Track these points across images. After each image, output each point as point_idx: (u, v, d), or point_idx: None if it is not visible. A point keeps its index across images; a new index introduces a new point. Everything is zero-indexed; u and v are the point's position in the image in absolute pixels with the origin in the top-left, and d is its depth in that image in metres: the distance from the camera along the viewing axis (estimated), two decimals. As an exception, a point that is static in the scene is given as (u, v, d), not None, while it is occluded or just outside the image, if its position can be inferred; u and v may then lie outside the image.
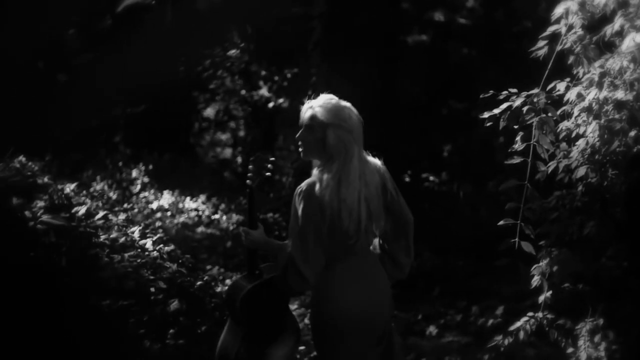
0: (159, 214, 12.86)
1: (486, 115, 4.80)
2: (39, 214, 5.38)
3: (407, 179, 13.51)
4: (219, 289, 9.04)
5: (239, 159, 19.18)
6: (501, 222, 4.78)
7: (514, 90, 5.04)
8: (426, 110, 15.03)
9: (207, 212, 13.06)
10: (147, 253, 6.04)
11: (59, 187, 6.75)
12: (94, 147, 16.32)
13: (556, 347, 7.17)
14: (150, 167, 14.32)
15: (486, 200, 11.90)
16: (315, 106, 4.22)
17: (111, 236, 6.03)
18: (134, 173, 14.14)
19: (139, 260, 5.73)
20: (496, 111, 4.77)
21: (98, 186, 13.58)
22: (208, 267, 10.35)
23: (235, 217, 12.73)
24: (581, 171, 5.29)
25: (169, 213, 13.01)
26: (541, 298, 5.88)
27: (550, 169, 5.35)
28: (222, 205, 13.24)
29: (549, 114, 4.77)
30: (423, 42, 15.78)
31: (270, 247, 4.46)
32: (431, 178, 14.00)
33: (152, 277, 5.64)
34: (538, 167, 4.76)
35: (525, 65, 5.94)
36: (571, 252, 5.91)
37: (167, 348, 4.86)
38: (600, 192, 5.60)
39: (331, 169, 4.18)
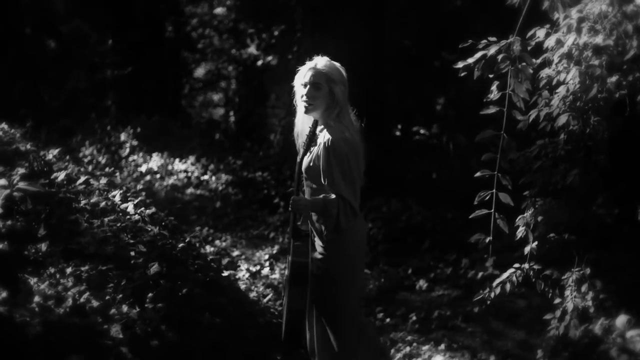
0: (148, 177, 12.79)
1: (460, 65, 4.68)
2: (15, 181, 5.28)
3: (398, 133, 13.40)
4: (208, 249, 9.04)
5: (232, 118, 19.07)
6: (478, 174, 4.70)
7: (493, 39, 4.93)
8: (417, 62, 14.85)
9: (196, 173, 12.99)
10: (128, 217, 5.98)
11: (41, 153, 6.70)
12: (83, 112, 16.23)
13: (545, 298, 7.16)
14: (139, 130, 14.20)
15: (477, 152, 11.78)
16: (319, 66, 4.73)
17: (91, 201, 5.96)
18: (123, 136, 14.03)
19: (118, 224, 5.65)
20: (470, 60, 4.65)
21: (87, 151, 13.50)
22: (197, 228, 10.32)
23: (224, 177, 12.66)
24: (562, 119, 5.20)
25: (158, 175, 12.94)
26: (527, 249, 5.81)
27: (531, 118, 5.26)
28: (212, 166, 13.16)
29: (525, 62, 4.65)
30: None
31: (317, 204, 4.72)
32: (422, 131, 13.87)
33: (132, 241, 5.57)
34: (514, 116, 4.66)
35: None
36: (555, 202, 5.83)
37: (146, 312, 4.79)
38: (582, 139, 5.51)
39: (344, 119, 4.77)
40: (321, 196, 4.69)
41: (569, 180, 5.64)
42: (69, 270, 4.98)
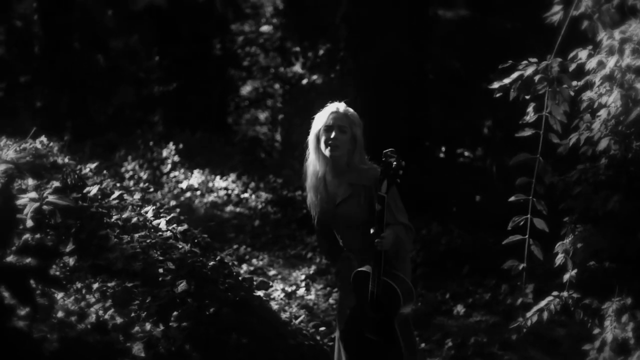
0: (188, 194, 12.78)
1: (496, 85, 4.55)
2: (45, 195, 5.25)
3: (442, 155, 13.24)
4: (242, 269, 8.96)
5: (278, 137, 19.03)
6: (512, 198, 4.56)
7: (534, 60, 4.79)
8: (464, 84, 14.71)
9: (236, 191, 12.93)
10: (159, 233, 5.91)
11: (78, 167, 6.70)
12: (128, 127, 16.32)
13: (585, 326, 6.95)
14: (181, 145, 14.20)
15: (521, 176, 11.55)
16: (341, 110, 4.88)
17: (123, 216, 5.91)
18: (165, 152, 14.03)
19: (148, 241, 5.59)
20: (506, 81, 4.52)
21: (129, 166, 13.53)
22: (234, 246, 10.25)
23: (264, 195, 12.60)
24: (603, 143, 5.04)
25: (198, 192, 12.92)
26: (566, 277, 5.65)
27: (572, 142, 5.10)
28: (252, 184, 13.10)
29: (563, 84, 4.50)
30: (462, 17, 15.47)
31: (394, 236, 4.78)
32: (466, 153, 13.69)
33: (161, 258, 5.50)
34: (551, 140, 4.51)
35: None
36: (596, 228, 5.64)
37: (170, 330, 4.71)
38: (624, 164, 5.33)
39: (365, 160, 4.96)
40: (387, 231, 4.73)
41: (609, 206, 5.44)
42: (95, 285, 4.91)
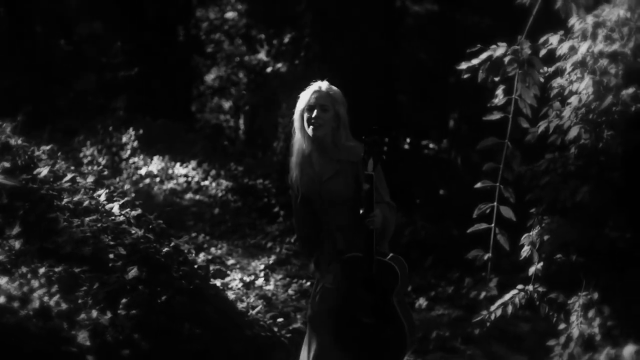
0: (147, 180, 12.54)
1: (463, 66, 4.36)
2: (-9, 175, 5.01)
3: (407, 146, 13.08)
4: (200, 258, 8.75)
5: (242, 125, 18.83)
6: (478, 185, 4.39)
7: (503, 44, 4.62)
8: (432, 76, 14.60)
9: (196, 179, 12.71)
10: (112, 218, 5.69)
11: (31, 148, 6.47)
12: (89, 112, 16.05)
13: (550, 321, 6.80)
14: (141, 131, 13.92)
15: (486, 163, 11.42)
16: (324, 89, 4.87)
17: (74, 199, 5.67)
18: (124, 138, 13.76)
19: (99, 225, 5.35)
20: (475, 61, 4.33)
21: (88, 151, 13.26)
22: (193, 234, 10.05)
23: (224, 183, 12.37)
24: (574, 132, 4.89)
25: (157, 179, 12.67)
26: (531, 270, 5.54)
27: (540, 130, 4.94)
28: (213, 172, 12.88)
29: (534, 66, 4.32)
30: (433, 11, 15.37)
31: (383, 214, 4.73)
32: (431, 145, 13.55)
33: (112, 243, 5.27)
34: (520, 124, 4.33)
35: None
36: (564, 220, 5.50)
37: (118, 318, 4.48)
38: (595, 154, 5.18)
39: (350, 139, 4.88)
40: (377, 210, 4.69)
41: (579, 197, 5.29)
42: (42, 270, 4.67)
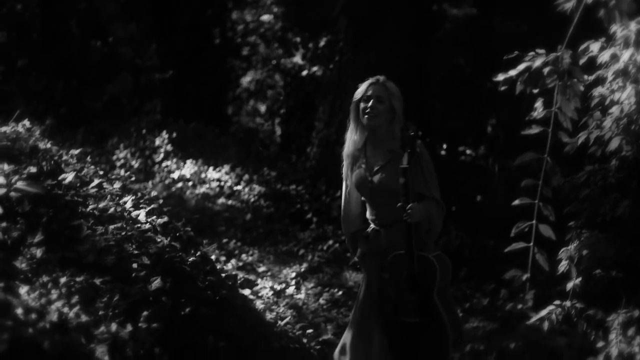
0: (180, 184, 12.44)
1: (500, 77, 4.17)
2: (13, 180, 4.89)
3: (443, 152, 12.86)
4: (231, 265, 8.62)
5: (278, 130, 18.71)
6: (516, 202, 4.20)
7: (542, 51, 4.43)
8: (468, 81, 14.41)
9: (229, 183, 12.59)
10: (137, 225, 5.55)
11: (59, 152, 6.37)
12: (123, 115, 16.03)
13: (588, 338, 6.59)
14: (174, 135, 13.83)
15: (525, 177, 11.20)
16: (381, 81, 5.03)
17: (100, 206, 5.54)
18: (158, 141, 13.67)
19: (123, 233, 5.22)
20: (512, 73, 4.14)
21: (121, 154, 13.20)
22: (224, 240, 9.92)
23: (257, 188, 12.24)
24: (614, 143, 4.70)
25: (190, 183, 12.57)
26: (569, 285, 5.37)
27: (580, 141, 4.75)
28: (246, 176, 12.75)
29: (575, 77, 4.12)
30: (470, 15, 15.20)
31: (425, 211, 4.81)
32: (468, 152, 13.30)
33: (136, 252, 5.14)
34: (561, 138, 4.13)
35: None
36: (603, 235, 5.30)
37: (139, 331, 4.34)
38: (636, 167, 4.98)
39: None
40: (419, 204, 4.77)
41: (619, 211, 5.09)
42: (63, 280, 4.55)
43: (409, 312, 4.80)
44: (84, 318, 4.25)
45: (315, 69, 15.34)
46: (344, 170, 5.20)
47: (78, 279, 4.57)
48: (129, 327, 4.34)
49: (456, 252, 9.43)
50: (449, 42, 13.92)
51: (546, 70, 4.16)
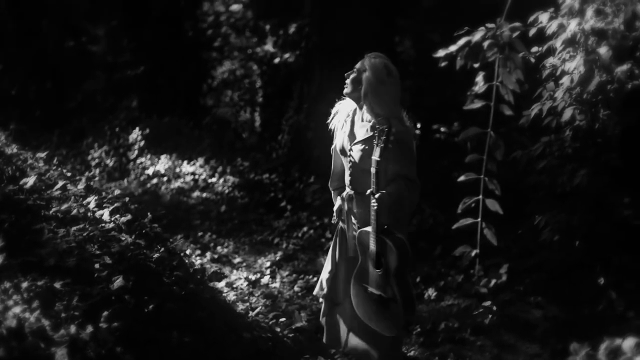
0: (155, 180, 12.39)
1: (441, 53, 4.16)
2: (-29, 187, 4.87)
3: (417, 131, 12.79)
4: (206, 257, 8.57)
5: (258, 119, 18.61)
6: (461, 178, 4.18)
7: (491, 26, 4.41)
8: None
9: (203, 176, 12.54)
10: (101, 225, 5.53)
11: (23, 156, 6.37)
12: (99, 113, 15.94)
13: (563, 308, 6.62)
14: (148, 130, 13.76)
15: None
16: (368, 56, 5.08)
17: (62, 208, 5.52)
18: (131, 138, 13.60)
19: (85, 234, 5.20)
20: (453, 48, 4.12)
21: (96, 153, 13.13)
22: (199, 233, 9.90)
23: (231, 179, 12.19)
24: (567, 113, 4.71)
25: (165, 178, 12.52)
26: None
27: (534, 112, 4.74)
28: (220, 168, 12.69)
29: (515, 49, 4.11)
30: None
31: (396, 192, 4.86)
32: (442, 129, 13.23)
33: (98, 252, 5.11)
34: (502, 112, 4.12)
35: None
36: (564, 205, 5.31)
37: (100, 332, 4.31)
38: (591, 136, 4.97)
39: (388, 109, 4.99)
40: (388, 187, 4.85)
41: (576, 181, 5.09)
42: (24, 285, 4.52)
43: (371, 283, 4.98)
44: (45, 322, 4.23)
45: (287, 55, 15.25)
46: (332, 125, 5.36)
47: (39, 283, 4.55)
48: (90, 328, 4.32)
49: (430, 230, 9.41)
50: (421, 19, 13.83)
51: (486, 43, 4.14)
